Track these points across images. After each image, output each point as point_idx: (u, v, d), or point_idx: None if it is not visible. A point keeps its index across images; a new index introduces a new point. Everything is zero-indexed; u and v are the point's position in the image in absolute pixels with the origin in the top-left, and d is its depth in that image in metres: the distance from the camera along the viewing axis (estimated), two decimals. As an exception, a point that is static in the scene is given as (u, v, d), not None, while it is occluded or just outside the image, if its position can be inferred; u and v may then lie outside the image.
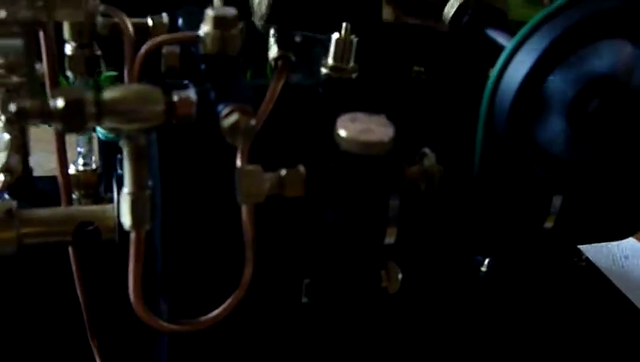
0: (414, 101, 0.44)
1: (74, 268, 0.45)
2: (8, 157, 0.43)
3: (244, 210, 0.36)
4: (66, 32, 0.40)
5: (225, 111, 0.33)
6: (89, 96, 0.32)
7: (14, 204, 0.40)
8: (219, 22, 0.35)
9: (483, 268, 0.63)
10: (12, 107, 0.31)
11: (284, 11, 0.42)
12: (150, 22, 0.42)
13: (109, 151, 0.46)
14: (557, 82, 0.37)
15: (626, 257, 0.76)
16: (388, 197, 0.37)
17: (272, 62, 0.43)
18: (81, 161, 0.46)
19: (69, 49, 0.40)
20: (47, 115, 0.32)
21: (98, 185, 0.47)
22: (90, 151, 0.46)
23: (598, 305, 0.64)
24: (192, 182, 0.37)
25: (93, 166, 0.46)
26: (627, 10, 0.36)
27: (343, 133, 0.34)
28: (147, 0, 0.43)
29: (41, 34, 0.38)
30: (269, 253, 0.39)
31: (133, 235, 0.35)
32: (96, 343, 0.47)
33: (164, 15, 0.42)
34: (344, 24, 0.40)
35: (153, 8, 0.43)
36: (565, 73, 0.37)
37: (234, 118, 0.33)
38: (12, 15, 0.36)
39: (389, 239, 0.41)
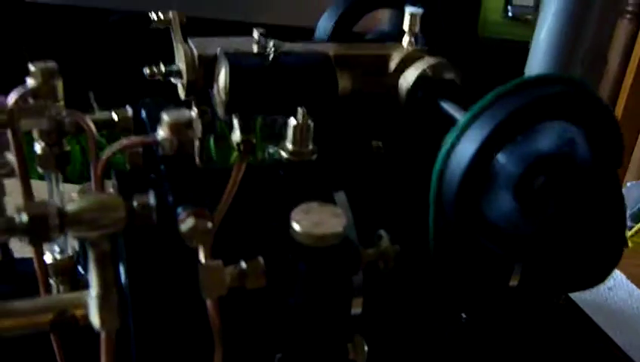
0: (374, 177, 0.45)
1: (57, 352, 0.46)
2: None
3: (208, 302, 0.37)
4: (34, 133, 0.42)
5: (182, 216, 0.35)
6: (52, 209, 0.33)
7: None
8: (174, 127, 0.36)
9: (463, 315, 0.65)
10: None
11: (242, 98, 0.44)
12: (115, 116, 0.44)
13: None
14: (504, 160, 0.39)
15: (610, 288, 0.78)
16: (347, 281, 0.39)
17: (235, 147, 0.45)
18: (57, 248, 0.48)
19: (38, 148, 0.42)
20: (13, 231, 0.33)
21: (75, 269, 0.49)
22: (65, 237, 0.48)
23: (578, 345, 0.65)
24: (157, 279, 0.39)
25: (69, 252, 0.48)
26: (567, 96, 0.38)
27: (296, 227, 0.36)
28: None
29: (10, 137, 0.40)
30: (239, 336, 0.41)
31: (103, 335, 0.36)
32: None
33: (128, 108, 0.44)
34: (300, 109, 0.42)
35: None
36: (511, 152, 0.39)
37: (190, 223, 0.34)
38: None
39: (356, 310, 0.42)
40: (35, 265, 0.44)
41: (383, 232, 0.40)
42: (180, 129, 0.37)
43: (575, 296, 0.72)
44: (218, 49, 0.45)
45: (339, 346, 0.43)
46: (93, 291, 0.36)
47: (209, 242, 0.36)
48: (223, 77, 0.45)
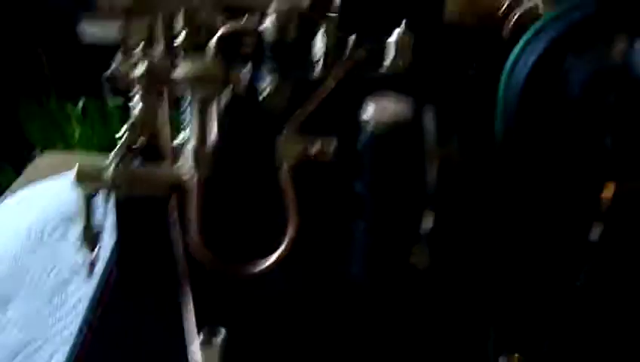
0: (464, 96, 0.48)
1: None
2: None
3: (283, 170, 0.43)
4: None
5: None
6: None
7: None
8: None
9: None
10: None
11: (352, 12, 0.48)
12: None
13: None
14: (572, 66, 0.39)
15: None
16: (412, 171, 0.42)
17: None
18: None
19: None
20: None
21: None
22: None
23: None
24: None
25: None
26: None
27: (368, 109, 0.40)
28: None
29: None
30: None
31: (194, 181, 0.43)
32: None
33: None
34: (403, 22, 0.46)
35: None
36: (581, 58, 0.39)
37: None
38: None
39: (426, 223, 0.45)
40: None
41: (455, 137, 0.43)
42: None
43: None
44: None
45: (404, 245, 0.45)
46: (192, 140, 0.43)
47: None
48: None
